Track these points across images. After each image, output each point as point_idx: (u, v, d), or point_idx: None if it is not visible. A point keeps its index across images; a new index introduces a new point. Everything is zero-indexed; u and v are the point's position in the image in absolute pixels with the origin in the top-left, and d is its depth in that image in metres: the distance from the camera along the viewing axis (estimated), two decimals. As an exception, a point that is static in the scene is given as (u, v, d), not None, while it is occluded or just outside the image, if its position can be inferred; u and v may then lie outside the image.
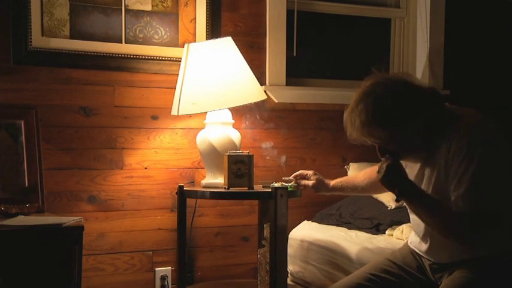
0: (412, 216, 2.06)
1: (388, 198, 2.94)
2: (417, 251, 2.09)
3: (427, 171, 1.98)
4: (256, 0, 3.13)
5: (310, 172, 2.54)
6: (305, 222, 3.15)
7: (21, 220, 2.26)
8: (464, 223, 1.82)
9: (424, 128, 1.91)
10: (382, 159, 1.98)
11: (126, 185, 2.88)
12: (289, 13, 3.22)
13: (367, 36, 3.62)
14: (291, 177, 2.58)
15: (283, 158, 2.57)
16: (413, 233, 2.15)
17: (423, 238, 2.05)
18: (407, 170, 2.01)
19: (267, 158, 2.73)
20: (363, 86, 1.97)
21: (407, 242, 2.21)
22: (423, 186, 1.97)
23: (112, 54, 2.85)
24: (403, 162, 2.02)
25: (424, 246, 2.05)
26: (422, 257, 2.07)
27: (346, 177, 2.57)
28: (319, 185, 2.50)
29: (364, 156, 3.32)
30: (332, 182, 2.50)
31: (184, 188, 2.75)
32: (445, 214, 1.86)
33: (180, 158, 2.99)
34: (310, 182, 2.52)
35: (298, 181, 2.56)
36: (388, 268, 2.09)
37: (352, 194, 2.64)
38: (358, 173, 2.58)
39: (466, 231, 1.83)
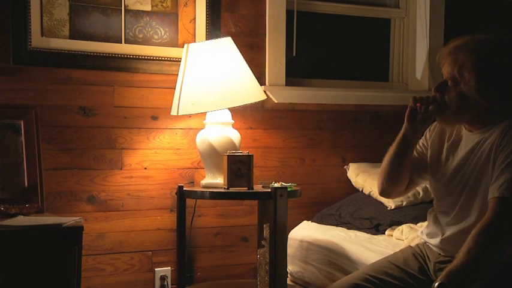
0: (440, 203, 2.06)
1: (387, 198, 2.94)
2: (429, 241, 2.07)
3: (476, 153, 1.96)
4: (256, 0, 3.13)
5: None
6: (305, 222, 3.15)
7: (21, 220, 2.25)
8: (501, 208, 1.79)
9: (488, 112, 1.93)
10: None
11: (126, 185, 2.88)
12: (289, 13, 3.22)
13: (367, 36, 3.62)
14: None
15: None
16: (429, 224, 2.11)
17: (439, 229, 2.03)
18: (455, 148, 2.02)
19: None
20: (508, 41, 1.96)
21: (408, 243, 2.20)
22: (469, 167, 1.96)
23: (112, 54, 2.85)
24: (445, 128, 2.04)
25: (438, 238, 2.03)
26: (431, 251, 2.06)
27: None
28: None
29: (364, 156, 3.32)
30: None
31: (184, 188, 2.75)
32: (481, 237, 1.77)
33: (180, 158, 2.98)
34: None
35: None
36: (388, 270, 2.08)
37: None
38: None
39: (499, 217, 1.78)
